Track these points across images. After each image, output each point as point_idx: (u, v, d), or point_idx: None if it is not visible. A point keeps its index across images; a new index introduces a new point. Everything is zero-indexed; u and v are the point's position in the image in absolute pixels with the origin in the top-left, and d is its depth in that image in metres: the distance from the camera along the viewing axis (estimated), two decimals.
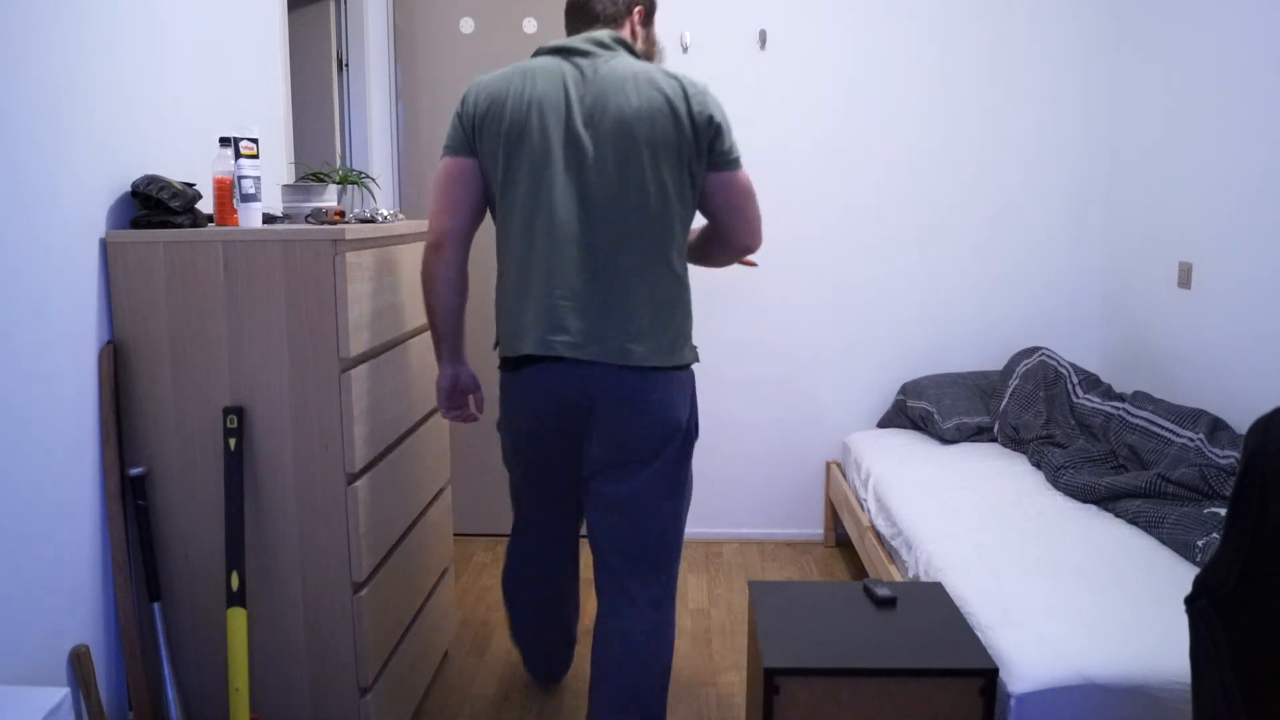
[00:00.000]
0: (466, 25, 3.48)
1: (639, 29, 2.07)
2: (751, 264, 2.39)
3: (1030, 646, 1.82)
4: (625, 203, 1.89)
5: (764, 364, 3.60)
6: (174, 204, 1.91)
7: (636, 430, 1.95)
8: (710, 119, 1.92)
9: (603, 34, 1.97)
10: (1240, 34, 2.69)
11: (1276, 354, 2.54)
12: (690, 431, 2.06)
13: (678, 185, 1.92)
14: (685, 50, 3.41)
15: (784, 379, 3.61)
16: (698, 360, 2.05)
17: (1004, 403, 3.23)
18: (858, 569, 3.41)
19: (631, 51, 1.99)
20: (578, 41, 1.95)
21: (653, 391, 1.94)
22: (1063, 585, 2.06)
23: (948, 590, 2.14)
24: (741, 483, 3.67)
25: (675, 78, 1.93)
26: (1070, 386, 3.17)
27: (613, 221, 1.89)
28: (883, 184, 3.51)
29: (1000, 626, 1.91)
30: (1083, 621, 1.89)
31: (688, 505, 2.11)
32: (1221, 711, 1.24)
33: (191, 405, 1.91)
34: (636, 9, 2.06)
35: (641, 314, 1.92)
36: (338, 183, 2.30)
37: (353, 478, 1.94)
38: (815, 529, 3.70)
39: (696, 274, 3.52)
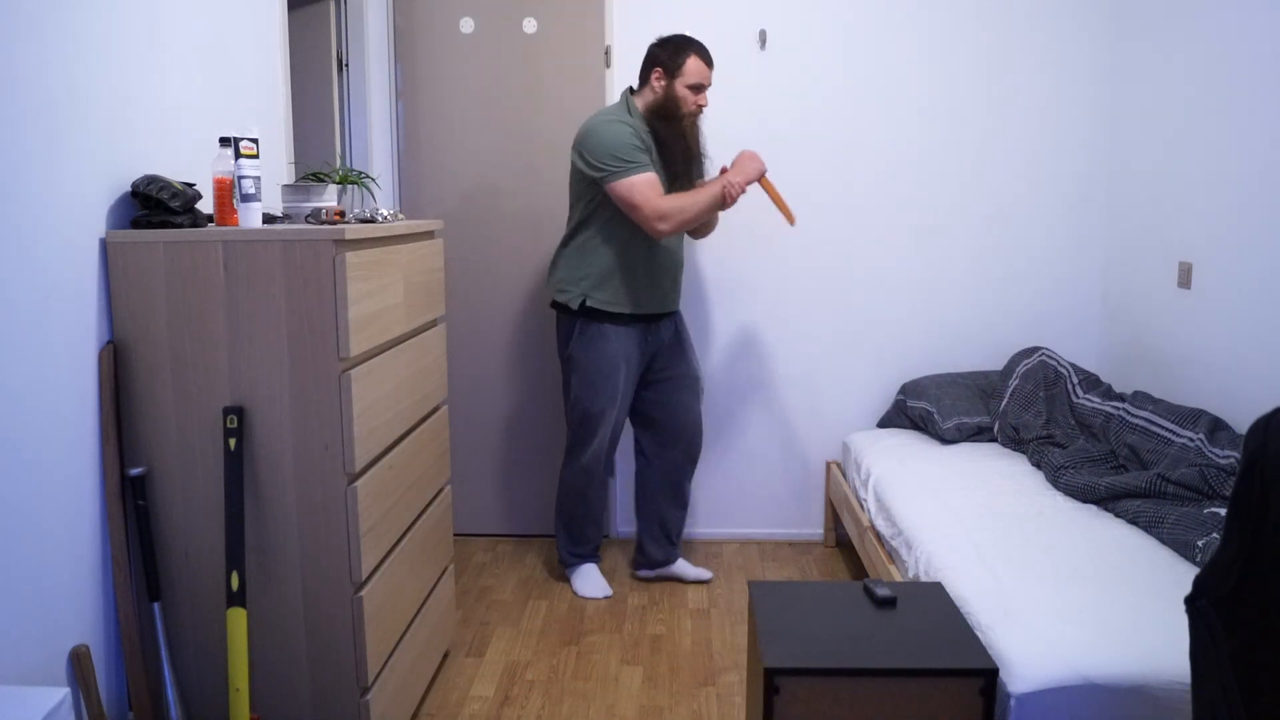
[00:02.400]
0: (466, 25, 3.48)
1: (657, 84, 2.89)
2: (788, 218, 2.96)
3: (1030, 646, 1.82)
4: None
5: (764, 364, 3.60)
6: (174, 204, 1.91)
7: None
8: (572, 160, 2.91)
9: (627, 88, 2.98)
10: (1241, 34, 2.69)
11: (1276, 354, 2.54)
12: (557, 349, 3.10)
13: (574, 189, 2.96)
14: None
15: (784, 379, 3.62)
16: (574, 309, 2.95)
17: (1004, 403, 3.23)
18: (858, 569, 3.41)
19: (627, 100, 2.93)
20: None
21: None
22: (1063, 585, 2.06)
23: (948, 590, 2.14)
24: (741, 483, 3.67)
25: (587, 124, 2.90)
26: (1070, 386, 3.17)
27: None
28: (883, 184, 3.51)
29: (1000, 626, 1.91)
30: (1083, 621, 1.89)
31: (573, 408, 3.04)
32: (1221, 712, 1.24)
33: (191, 405, 1.91)
34: (655, 70, 2.89)
35: (556, 262, 3.04)
36: (338, 183, 2.30)
37: (353, 478, 1.94)
38: (815, 529, 3.70)
39: (696, 273, 3.53)
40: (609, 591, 3.13)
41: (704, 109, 2.93)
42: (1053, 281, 3.55)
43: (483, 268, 3.60)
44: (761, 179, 2.91)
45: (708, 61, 2.89)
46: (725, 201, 2.83)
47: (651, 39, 3.39)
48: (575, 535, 3.20)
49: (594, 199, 2.89)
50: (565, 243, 3.01)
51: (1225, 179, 2.76)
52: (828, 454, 3.65)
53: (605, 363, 2.95)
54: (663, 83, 2.87)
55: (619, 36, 3.45)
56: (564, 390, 3.09)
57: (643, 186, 2.79)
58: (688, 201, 2.83)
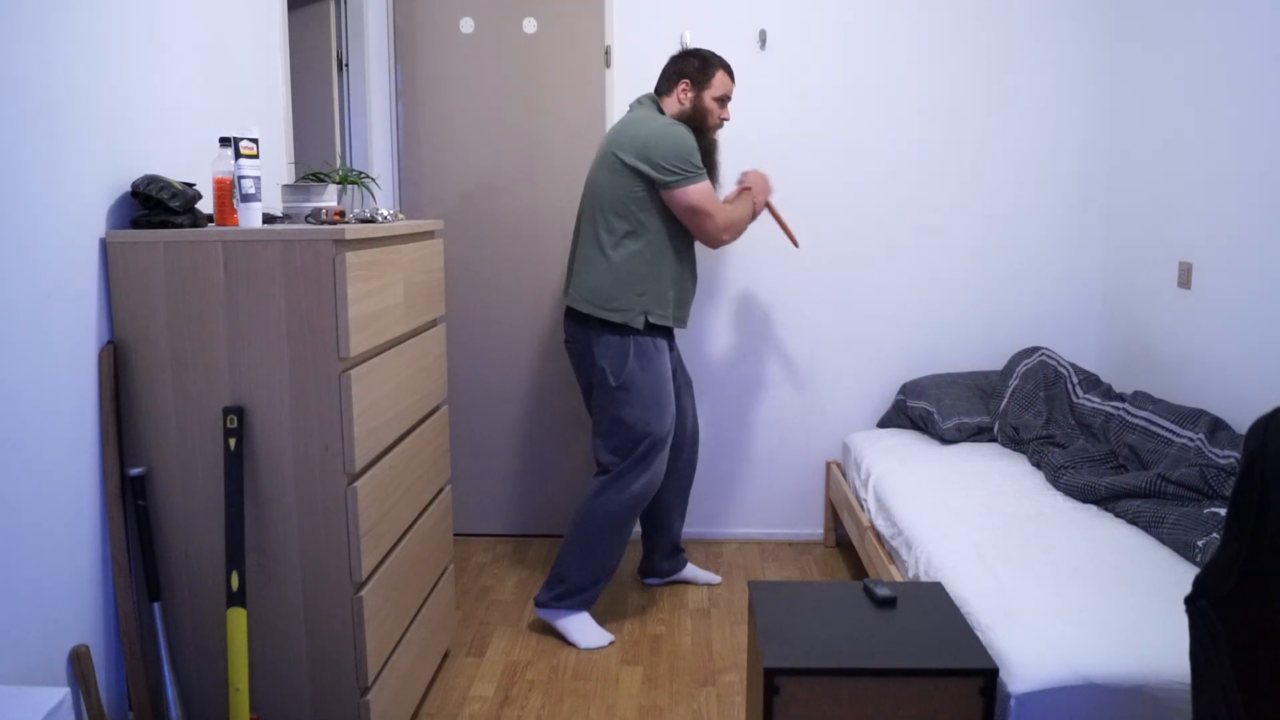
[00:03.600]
0: (466, 25, 3.48)
1: (683, 95, 2.87)
2: (793, 241, 3.10)
3: (1030, 646, 1.82)
4: (585, 200, 2.87)
5: (764, 364, 3.60)
6: (174, 204, 1.91)
7: (576, 353, 2.92)
8: (634, 168, 2.72)
9: (644, 96, 2.94)
10: (1241, 33, 2.69)
11: (1276, 354, 2.54)
12: (605, 374, 2.80)
13: (610, 195, 2.77)
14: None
15: (784, 379, 3.62)
16: (637, 328, 2.76)
17: (1004, 403, 3.23)
18: (858, 569, 3.41)
19: (658, 108, 2.90)
20: (638, 98, 2.95)
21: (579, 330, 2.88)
22: (1063, 585, 2.06)
23: (948, 590, 2.14)
24: (741, 483, 3.67)
25: (634, 130, 2.76)
26: (1070, 386, 3.17)
27: (581, 210, 2.90)
28: (883, 184, 3.51)
29: (1000, 626, 1.91)
30: (1083, 621, 1.89)
31: (631, 433, 2.79)
32: (1221, 712, 1.24)
33: (191, 405, 1.91)
34: (681, 82, 2.87)
35: (581, 275, 2.83)
36: (338, 183, 2.30)
37: (353, 478, 1.94)
38: (815, 529, 3.70)
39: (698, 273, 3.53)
40: (611, 637, 2.88)
41: (726, 122, 2.94)
42: (1053, 281, 3.55)
43: (483, 268, 3.60)
44: (769, 201, 3.00)
45: (731, 75, 2.91)
46: (753, 217, 2.95)
47: (651, 39, 3.42)
48: (591, 575, 2.86)
49: (647, 208, 2.75)
50: (604, 254, 2.78)
51: (1225, 179, 2.76)
52: (828, 454, 3.65)
53: (664, 378, 2.83)
54: (690, 94, 2.86)
55: (619, 36, 3.45)
56: (616, 415, 2.79)
57: (712, 195, 2.78)
58: (743, 213, 2.88)
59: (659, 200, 2.76)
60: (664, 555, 3.24)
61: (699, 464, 3.62)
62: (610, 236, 2.78)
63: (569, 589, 2.87)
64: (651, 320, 2.79)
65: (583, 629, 2.87)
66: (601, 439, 2.86)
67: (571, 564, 2.87)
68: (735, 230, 2.85)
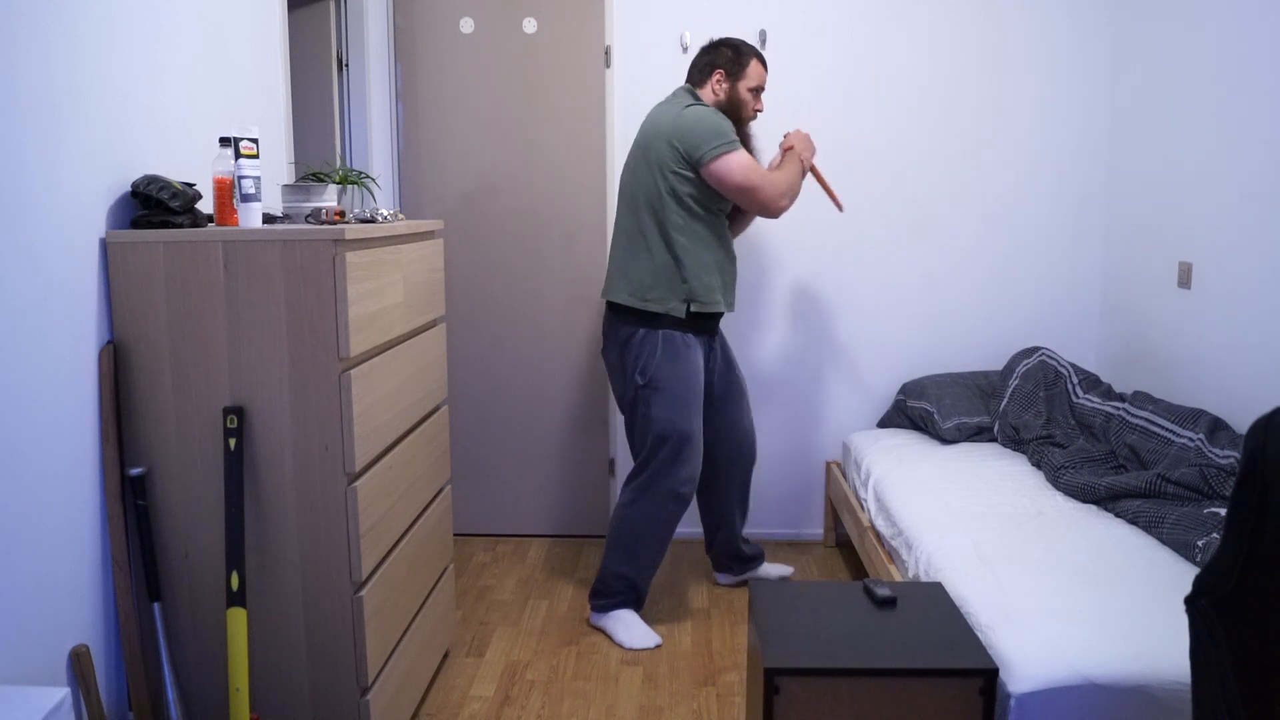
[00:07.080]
0: (466, 25, 3.48)
1: (718, 87, 2.84)
2: (837, 205, 3.03)
3: (1030, 646, 1.82)
4: (623, 196, 2.84)
5: (764, 364, 3.60)
6: (174, 204, 1.91)
7: (609, 361, 2.92)
8: (669, 142, 2.71)
9: (680, 88, 2.89)
10: (1241, 33, 2.68)
11: (1276, 354, 2.54)
12: (633, 372, 2.80)
13: (650, 188, 2.75)
14: (685, 50, 3.41)
15: (784, 379, 3.61)
16: (675, 316, 2.75)
17: (1004, 403, 3.23)
18: (858, 569, 3.41)
19: (695, 98, 2.83)
20: (675, 90, 2.90)
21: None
22: (1063, 585, 2.06)
23: (948, 590, 2.14)
24: None
25: (666, 118, 2.74)
26: (1070, 386, 3.17)
27: (620, 206, 2.86)
28: (882, 183, 3.51)
29: (1000, 626, 1.91)
30: (1083, 621, 1.89)
31: (651, 425, 2.78)
32: (1221, 711, 1.24)
33: (191, 405, 1.90)
34: (715, 73, 2.84)
35: (623, 269, 2.80)
36: (338, 183, 2.30)
37: (353, 478, 1.94)
38: (815, 529, 3.70)
39: None
40: (658, 639, 2.84)
41: (760, 113, 2.90)
42: (1052, 281, 3.55)
43: (483, 268, 3.60)
44: (813, 163, 2.95)
45: (765, 64, 2.87)
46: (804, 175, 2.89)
47: (651, 39, 3.42)
48: (635, 578, 2.86)
49: (687, 197, 2.72)
50: (646, 248, 2.75)
51: (1225, 179, 2.76)
52: (828, 454, 3.65)
53: (693, 375, 2.81)
54: (725, 85, 2.82)
55: (619, 36, 3.45)
56: (645, 414, 2.78)
57: (756, 166, 2.73)
58: (793, 174, 2.82)
59: (700, 187, 2.72)
60: (731, 556, 3.21)
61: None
62: (652, 229, 2.75)
63: (610, 592, 2.89)
64: (694, 309, 2.76)
65: (628, 628, 2.85)
66: (632, 441, 2.85)
67: (613, 571, 2.87)
68: (792, 193, 2.79)
